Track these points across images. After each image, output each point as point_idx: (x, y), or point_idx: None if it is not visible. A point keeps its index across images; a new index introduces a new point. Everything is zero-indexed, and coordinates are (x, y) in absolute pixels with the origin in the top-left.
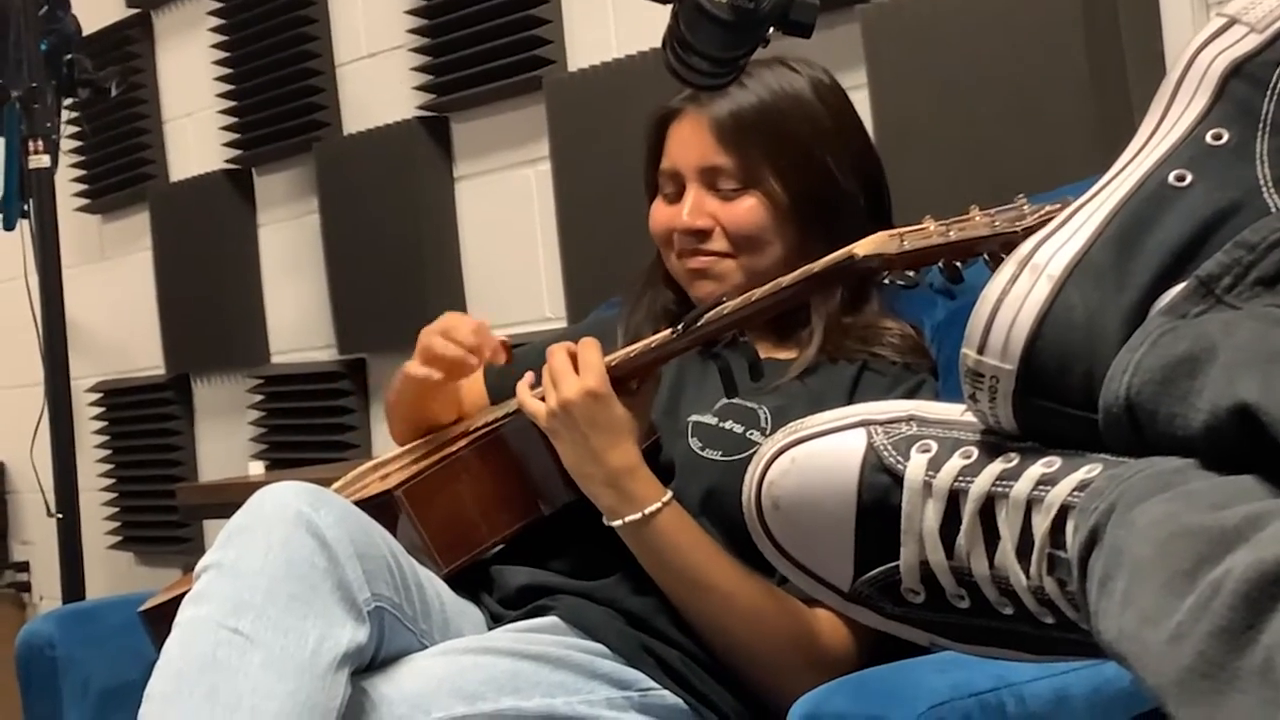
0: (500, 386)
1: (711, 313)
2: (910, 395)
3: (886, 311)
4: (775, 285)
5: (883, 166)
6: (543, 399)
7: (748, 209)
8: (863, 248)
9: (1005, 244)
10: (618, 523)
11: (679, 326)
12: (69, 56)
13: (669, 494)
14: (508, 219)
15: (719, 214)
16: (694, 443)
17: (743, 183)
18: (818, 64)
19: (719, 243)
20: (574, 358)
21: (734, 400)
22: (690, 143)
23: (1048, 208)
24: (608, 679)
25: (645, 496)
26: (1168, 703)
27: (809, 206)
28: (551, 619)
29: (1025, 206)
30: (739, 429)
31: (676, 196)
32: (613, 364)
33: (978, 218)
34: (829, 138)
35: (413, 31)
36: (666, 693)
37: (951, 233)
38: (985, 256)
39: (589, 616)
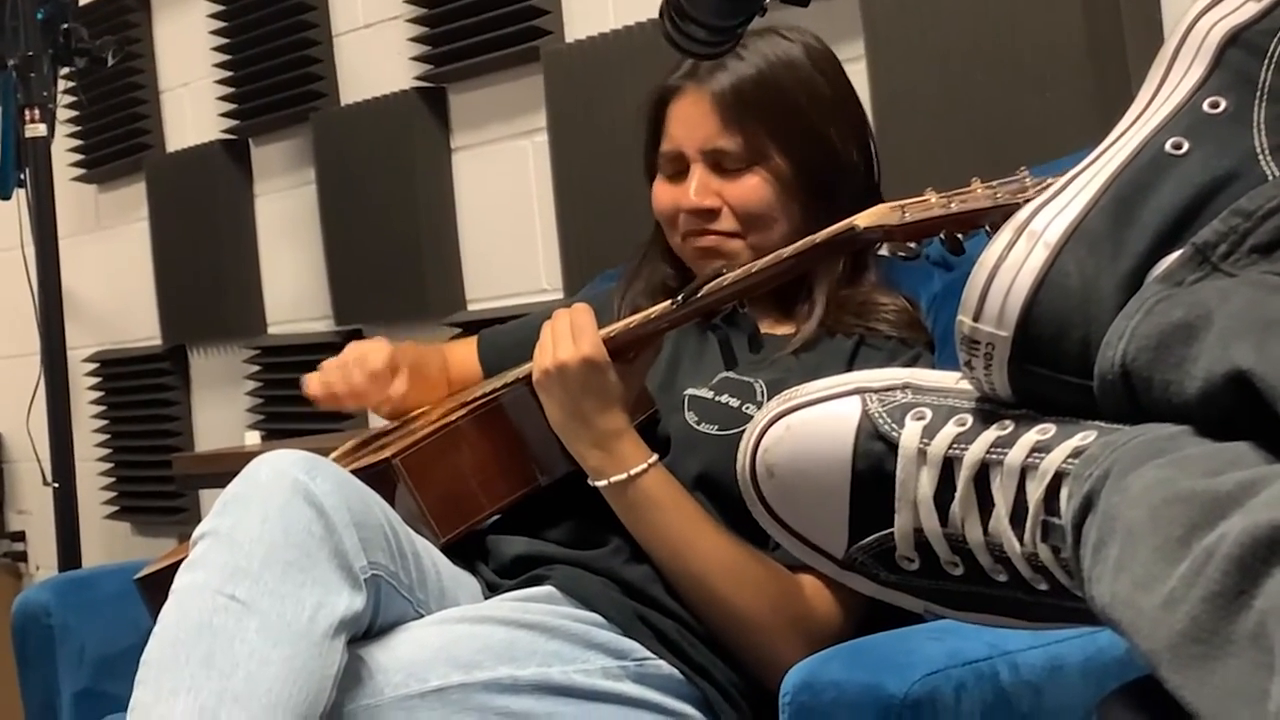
0: (495, 360)
1: (711, 284)
2: (905, 367)
3: (884, 285)
4: (776, 257)
5: (872, 134)
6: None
7: (753, 187)
8: (865, 219)
9: (1007, 215)
10: (602, 483)
11: (678, 298)
12: (65, 25)
13: (654, 456)
14: (505, 190)
15: (725, 193)
16: (690, 417)
17: (747, 161)
18: (809, 31)
19: (726, 222)
20: (571, 322)
21: (730, 374)
22: (693, 122)
23: (1049, 180)
24: (603, 648)
25: (630, 457)
26: (1160, 668)
27: (812, 179)
28: (547, 588)
29: (1027, 179)
30: (735, 402)
31: (680, 176)
32: (611, 334)
33: (979, 190)
34: (828, 107)
35: (410, 2)
36: (662, 662)
37: (953, 204)
38: (987, 228)
39: (585, 586)
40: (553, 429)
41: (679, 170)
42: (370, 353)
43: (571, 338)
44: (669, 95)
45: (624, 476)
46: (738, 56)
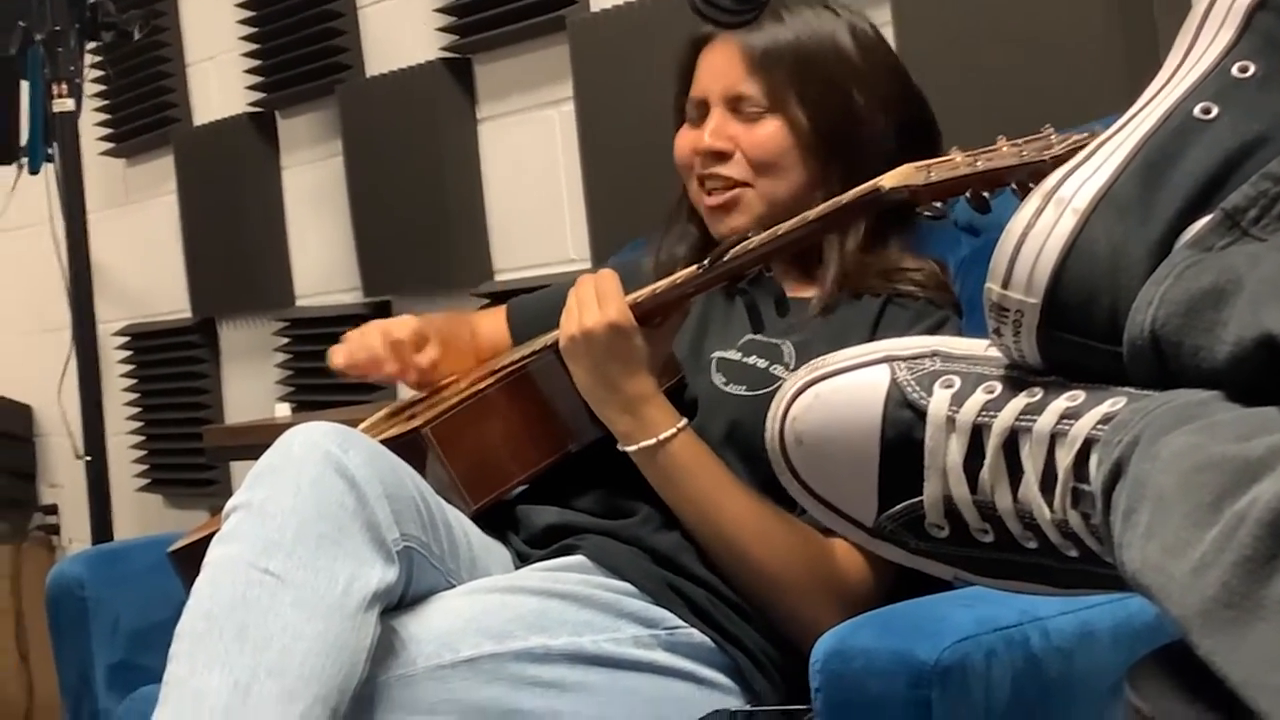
0: (523, 328)
1: (737, 248)
2: (933, 331)
3: (910, 249)
4: (801, 219)
5: (929, 112)
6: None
7: (769, 133)
8: (890, 179)
9: (1033, 173)
10: (632, 448)
11: (705, 262)
12: (92, 0)
13: (684, 420)
14: (531, 160)
15: (740, 137)
16: (718, 378)
17: (766, 107)
18: (860, 12)
19: (738, 167)
20: (597, 287)
21: (756, 336)
22: (719, 69)
23: (1075, 137)
24: (634, 617)
25: (660, 422)
26: (1191, 633)
27: (831, 138)
28: (578, 558)
29: (1053, 136)
30: (763, 364)
31: (701, 121)
32: (638, 300)
33: (1005, 148)
34: (858, 76)
35: None
36: (694, 630)
37: (979, 163)
38: (1013, 186)
39: (615, 555)
40: (581, 395)
41: (701, 116)
42: (394, 324)
43: (597, 303)
44: (701, 43)
45: (653, 441)
46: (779, 20)
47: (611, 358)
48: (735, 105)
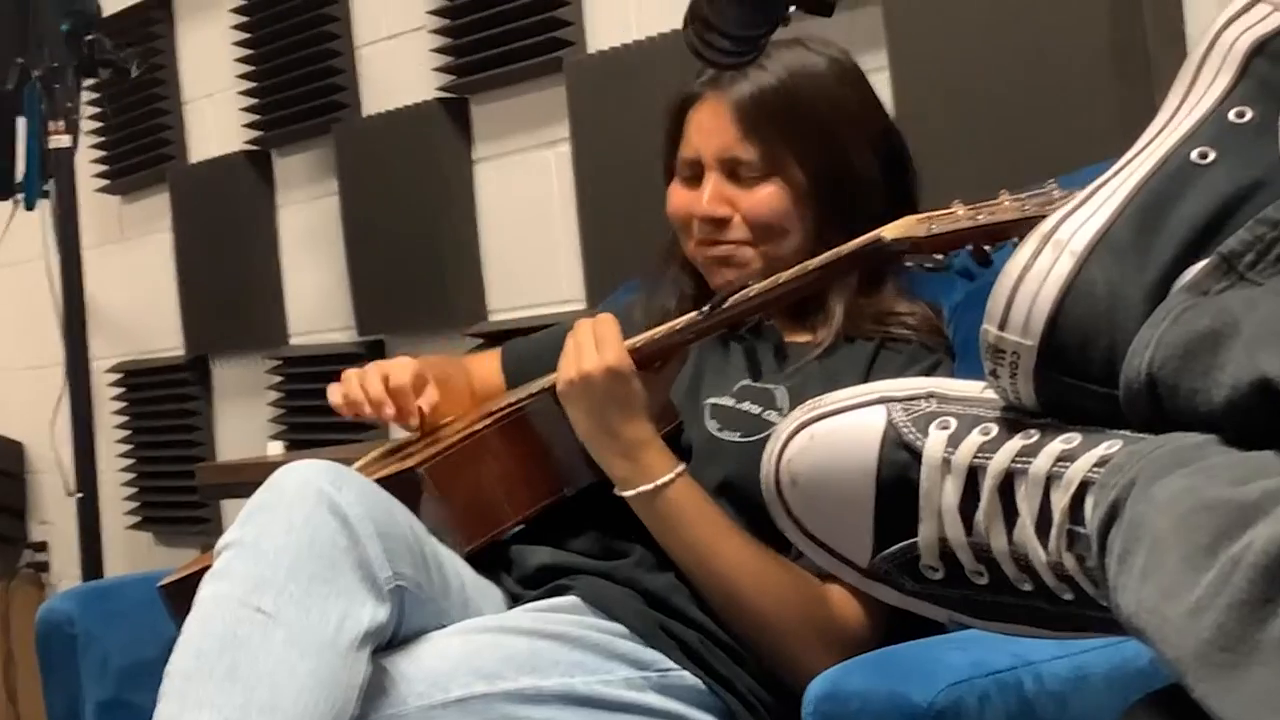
0: (519, 371)
1: (737, 295)
2: (927, 374)
3: (904, 292)
4: (802, 269)
5: (906, 147)
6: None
7: (767, 196)
8: (891, 231)
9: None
10: (629, 493)
11: (705, 309)
12: (90, 37)
13: (681, 466)
14: (527, 201)
15: (738, 201)
16: (712, 425)
17: (763, 171)
18: (835, 44)
19: (738, 231)
20: (595, 331)
21: (750, 382)
22: (712, 130)
23: (1077, 193)
24: (626, 659)
25: (657, 468)
26: (1186, 676)
27: (828, 191)
28: (570, 599)
29: (1055, 190)
30: (756, 409)
31: (695, 181)
32: (637, 345)
33: (1007, 202)
34: (849, 120)
35: (432, 13)
36: (685, 673)
37: (980, 217)
38: (1014, 240)
39: (608, 596)
40: (578, 439)
41: (695, 175)
42: (394, 368)
43: (596, 347)
44: (690, 101)
45: (650, 487)
46: (760, 67)
47: (609, 402)
48: (731, 169)
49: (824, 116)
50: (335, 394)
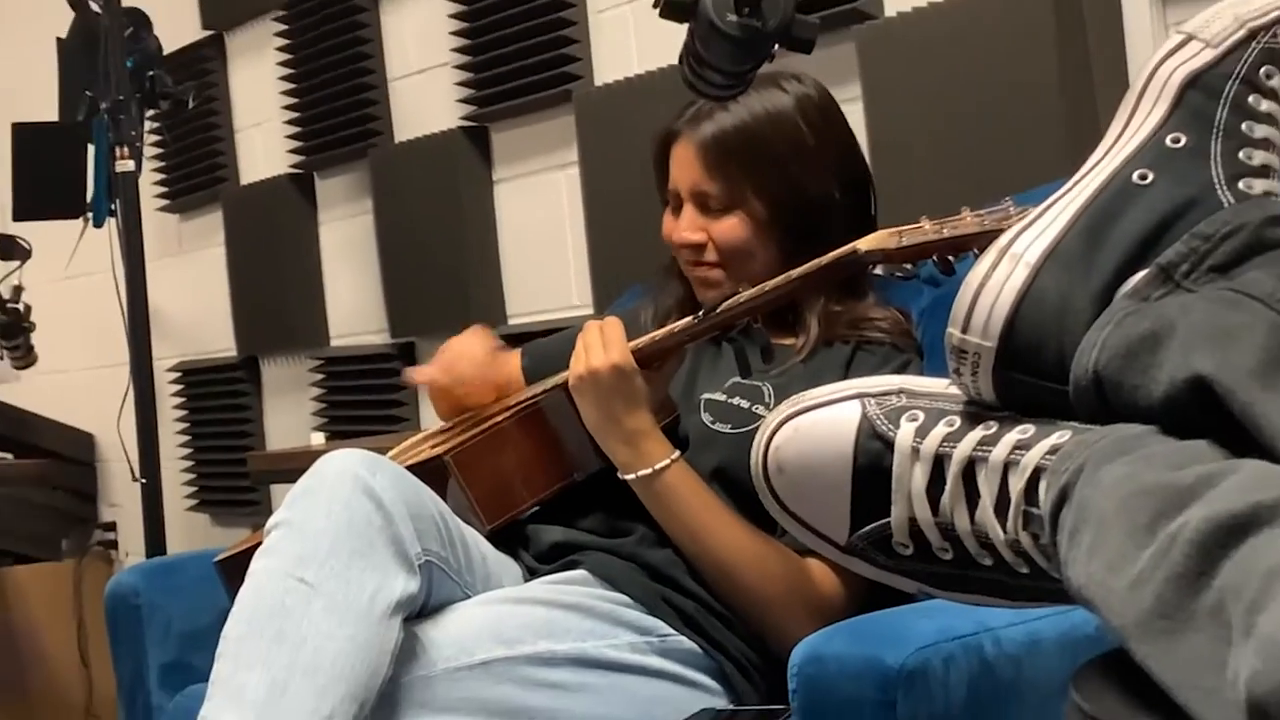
0: (535, 368)
1: (728, 302)
2: (898, 372)
3: (878, 299)
4: (786, 277)
5: (867, 168)
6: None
7: (731, 226)
8: (866, 243)
9: (994, 240)
10: (631, 476)
11: (699, 314)
12: (151, 73)
13: (677, 453)
14: (541, 218)
15: (709, 230)
16: (706, 418)
17: (727, 204)
18: (810, 79)
19: (710, 254)
20: (602, 333)
21: (740, 379)
22: (683, 167)
23: (1031, 209)
24: (631, 626)
25: (655, 454)
26: (1129, 642)
27: (787, 217)
28: (581, 572)
29: (1011, 207)
30: (745, 404)
31: (679, 209)
32: (640, 345)
33: (969, 217)
34: (807, 153)
35: (456, 50)
36: (683, 638)
37: (945, 230)
38: (975, 251)
39: (614, 570)
40: (587, 429)
41: (678, 205)
42: (471, 343)
43: (603, 347)
44: (671, 139)
45: (649, 470)
46: (725, 109)
47: (614, 396)
48: (702, 201)
49: (780, 153)
50: (420, 374)
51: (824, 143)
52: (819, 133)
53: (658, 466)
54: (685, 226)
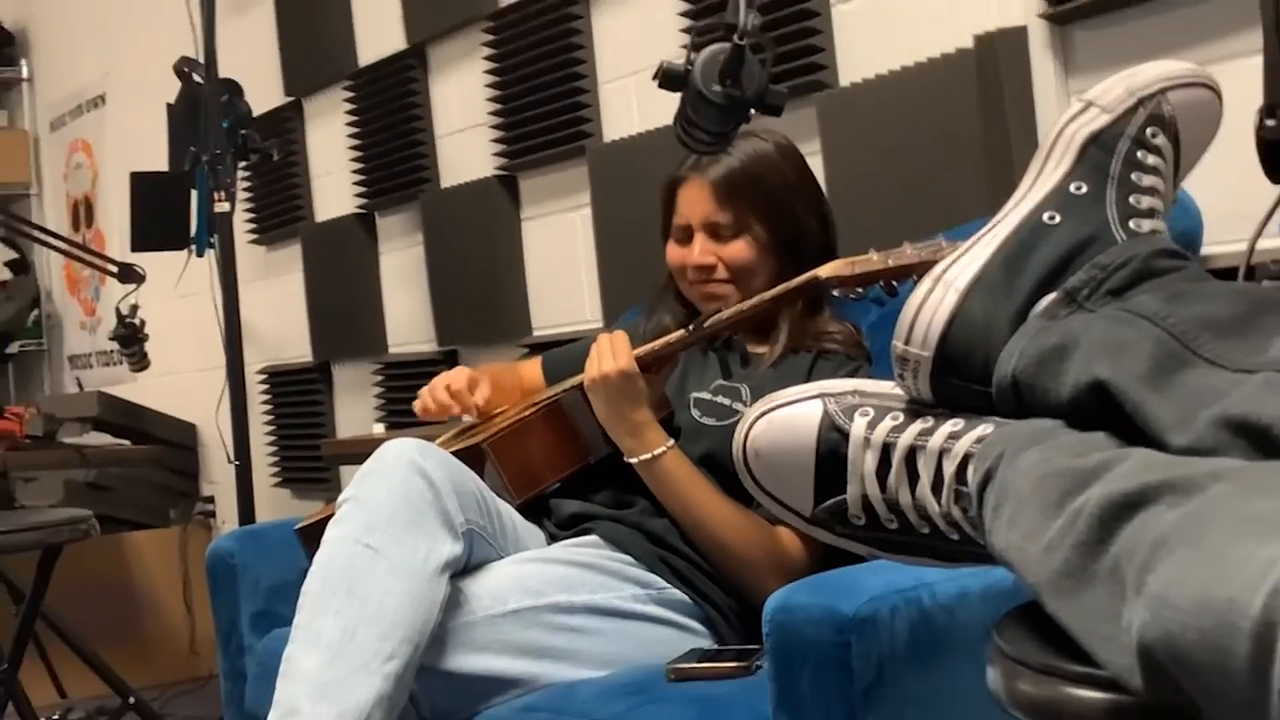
0: (554, 372)
1: (714, 318)
2: (852, 375)
3: (834, 316)
4: (760, 299)
5: (829, 206)
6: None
7: (740, 249)
8: (825, 271)
9: (929, 268)
10: (634, 460)
11: (689, 327)
12: (244, 131)
13: (672, 441)
14: (560, 249)
15: (720, 253)
16: (695, 413)
17: (735, 231)
18: (779, 132)
19: (720, 273)
20: (611, 344)
21: (723, 381)
22: (696, 202)
23: (959, 244)
24: (634, 580)
25: (654, 443)
26: (1042, 597)
27: (783, 241)
28: (594, 537)
29: (943, 241)
30: (727, 401)
31: (687, 240)
32: (642, 354)
33: (908, 250)
34: (795, 189)
35: (491, 113)
36: (677, 591)
37: (890, 260)
38: (915, 278)
39: (621, 535)
40: (598, 421)
41: (686, 236)
42: (452, 376)
43: (612, 356)
44: (678, 183)
45: (649, 455)
46: (727, 154)
47: (621, 395)
48: (712, 230)
49: (776, 188)
50: (417, 406)
51: (801, 181)
52: (798, 173)
53: (655, 452)
54: (700, 252)
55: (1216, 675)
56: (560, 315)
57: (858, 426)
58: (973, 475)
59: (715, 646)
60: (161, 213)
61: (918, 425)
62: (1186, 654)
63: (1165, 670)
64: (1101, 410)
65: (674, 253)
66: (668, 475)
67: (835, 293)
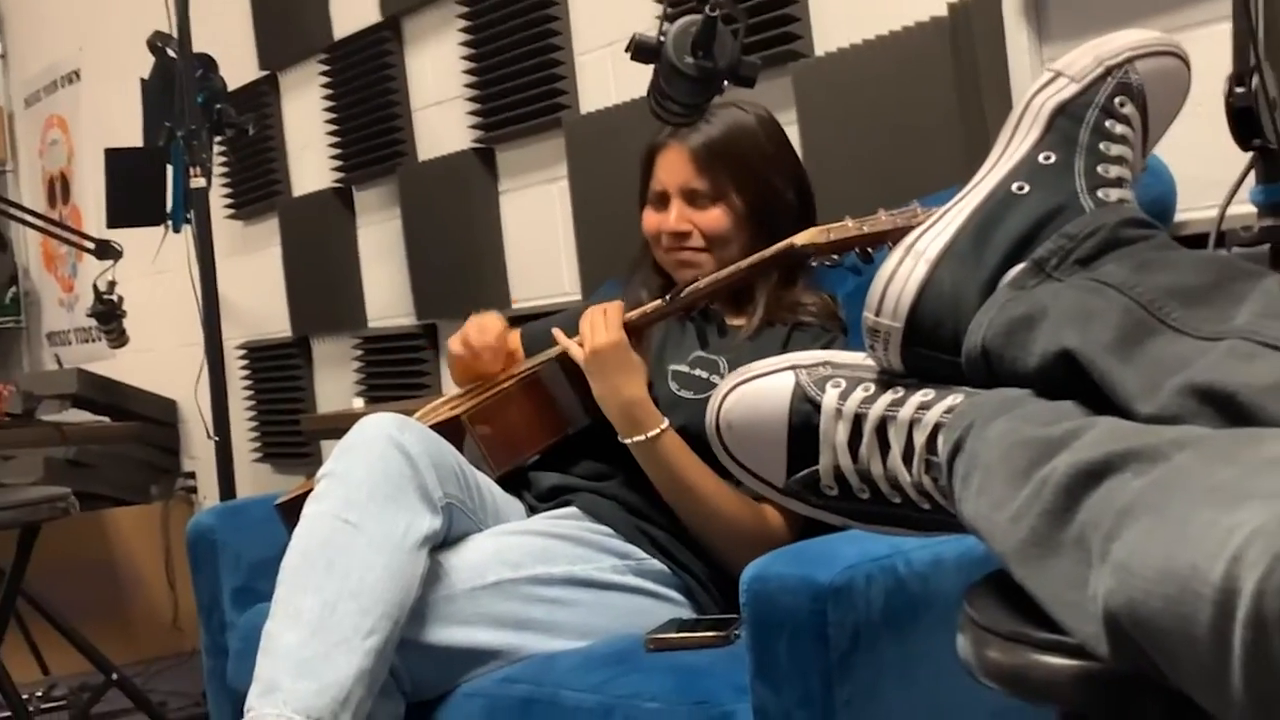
0: (532, 344)
1: (690, 288)
2: (825, 347)
3: (810, 286)
4: (736, 267)
5: (808, 178)
6: (582, 345)
7: (716, 216)
8: (800, 239)
9: (904, 235)
10: (629, 441)
11: (667, 297)
12: (218, 106)
13: (666, 422)
14: (537, 221)
15: (696, 220)
16: (673, 385)
17: (712, 198)
18: (761, 105)
19: (695, 240)
20: (605, 316)
21: (701, 353)
22: (674, 168)
23: (932, 210)
24: (613, 551)
25: (650, 423)
26: (1010, 565)
27: (759, 211)
28: (573, 509)
29: (918, 207)
30: (704, 374)
31: (663, 206)
32: (627, 321)
33: (884, 217)
34: (772, 160)
35: (467, 86)
36: (656, 561)
37: (864, 227)
38: (889, 244)
39: (600, 507)
40: (577, 394)
41: (662, 202)
42: (487, 318)
43: (605, 328)
44: (657, 149)
45: (644, 438)
46: (707, 122)
47: (616, 369)
48: (690, 196)
49: (754, 159)
50: (455, 344)
51: (780, 152)
52: (777, 145)
53: (650, 434)
54: (676, 219)
55: (1179, 642)
56: (539, 287)
57: (829, 398)
58: (943, 445)
59: (694, 616)
60: (137, 189)
61: (889, 396)
62: (1150, 621)
63: (1130, 637)
64: (1069, 379)
65: (650, 219)
66: (662, 456)
67: (812, 262)
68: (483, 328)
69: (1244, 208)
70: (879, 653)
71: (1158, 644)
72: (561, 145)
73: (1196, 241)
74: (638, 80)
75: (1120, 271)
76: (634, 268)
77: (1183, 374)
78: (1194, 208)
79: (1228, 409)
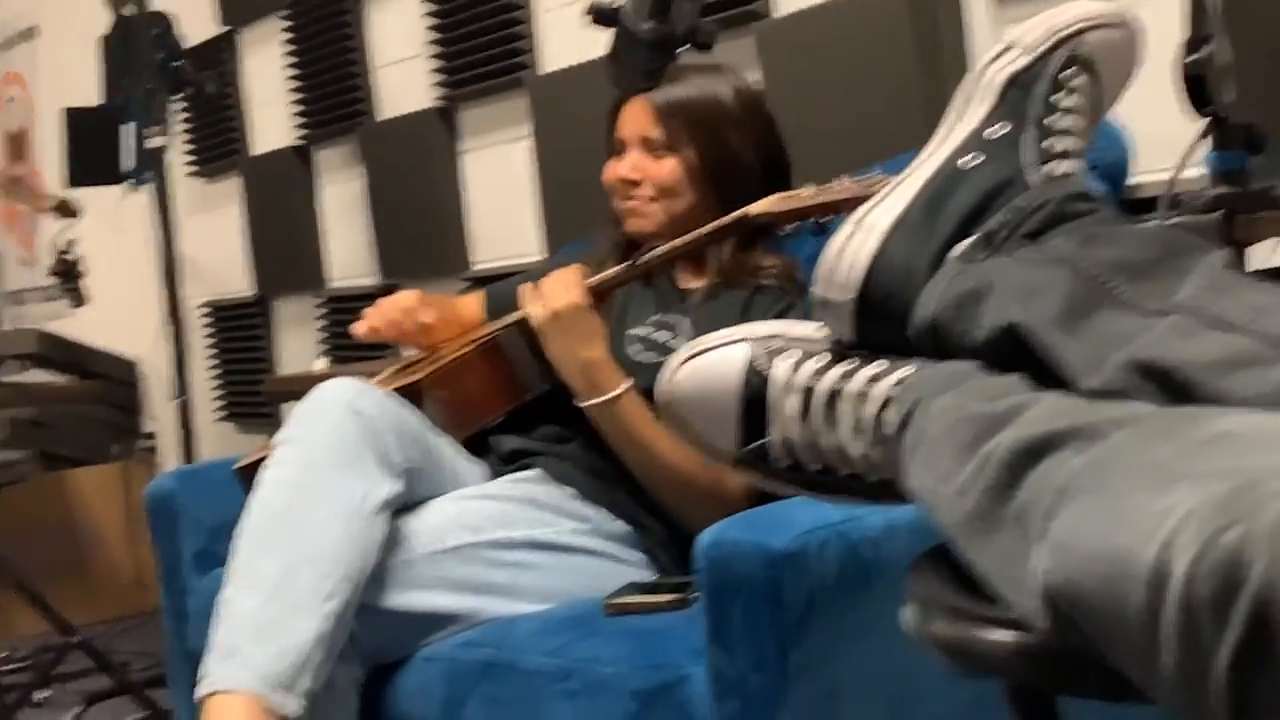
0: (496, 307)
1: (651, 254)
2: (782, 315)
3: (770, 251)
4: (695, 234)
5: (785, 148)
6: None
7: (670, 167)
8: (756, 208)
9: (862, 203)
10: (586, 404)
11: (628, 262)
12: (176, 64)
13: (627, 383)
14: (500, 182)
15: (648, 169)
16: (633, 349)
17: (667, 149)
18: (741, 75)
19: (646, 189)
20: (564, 279)
21: (659, 316)
22: (635, 118)
23: (890, 179)
24: (573, 515)
25: (608, 385)
26: (954, 539)
27: (714, 171)
28: (534, 472)
29: (879, 173)
30: (663, 337)
31: (622, 156)
32: (590, 285)
33: (846, 182)
34: (737, 125)
35: (429, 43)
36: (618, 523)
37: (821, 196)
38: (845, 214)
39: (560, 469)
40: (536, 358)
41: (621, 152)
42: (400, 296)
43: (565, 289)
44: (623, 101)
45: (601, 400)
46: (678, 80)
47: (574, 330)
48: (646, 145)
49: (715, 117)
50: (360, 327)
51: (750, 120)
52: (747, 111)
53: (609, 396)
54: (628, 166)
55: (1113, 621)
56: (502, 248)
57: (780, 370)
58: (891, 418)
59: (652, 580)
60: (97, 148)
61: (840, 369)
62: (1086, 600)
63: (1068, 615)
64: (1016, 353)
65: (608, 168)
66: (621, 417)
67: (783, 229)
68: (398, 305)
69: (1199, 171)
70: (833, 617)
71: (1093, 623)
72: (524, 105)
73: (1150, 205)
74: (598, 39)
75: (1067, 245)
76: (602, 233)
77: (1126, 349)
78: (1151, 170)
79: (1169, 385)
